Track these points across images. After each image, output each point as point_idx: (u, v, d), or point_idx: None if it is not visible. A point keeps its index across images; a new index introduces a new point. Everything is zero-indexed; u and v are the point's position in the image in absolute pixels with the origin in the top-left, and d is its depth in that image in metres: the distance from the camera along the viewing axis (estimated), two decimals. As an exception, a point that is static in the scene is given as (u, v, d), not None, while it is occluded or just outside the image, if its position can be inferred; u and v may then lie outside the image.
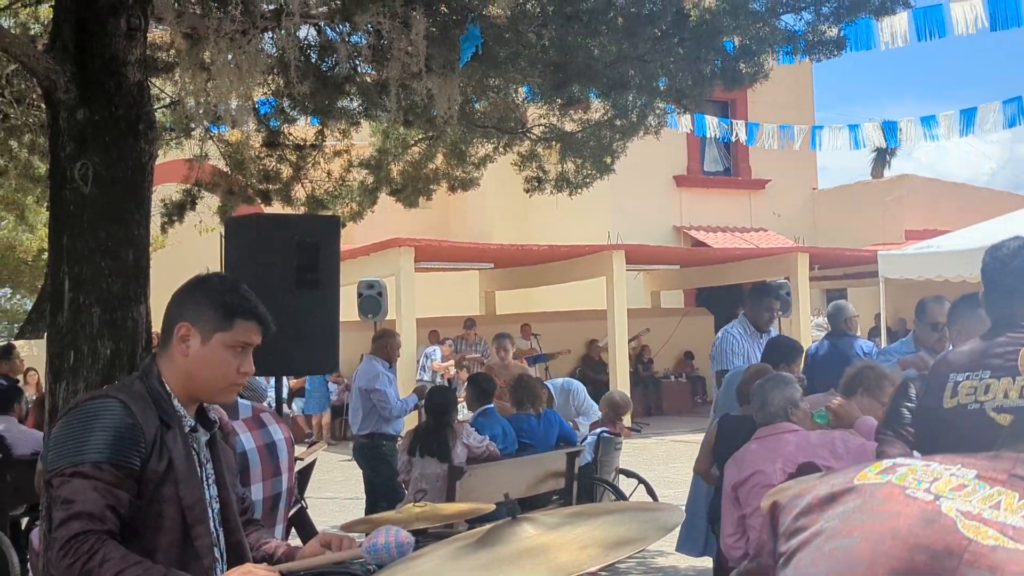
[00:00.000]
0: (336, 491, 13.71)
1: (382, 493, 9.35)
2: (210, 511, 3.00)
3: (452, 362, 19.45)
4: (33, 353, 16.23)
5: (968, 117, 16.41)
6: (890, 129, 16.93)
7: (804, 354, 7.94)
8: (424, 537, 4.65)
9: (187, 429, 3.00)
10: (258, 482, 4.40)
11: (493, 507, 4.12)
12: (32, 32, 8.97)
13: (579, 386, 10.99)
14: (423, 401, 10.28)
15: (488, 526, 2.38)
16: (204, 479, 3.02)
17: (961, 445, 3.04)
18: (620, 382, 19.40)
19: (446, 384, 17.28)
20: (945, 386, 3.64)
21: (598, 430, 9.63)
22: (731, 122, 18.73)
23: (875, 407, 5.59)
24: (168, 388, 3.00)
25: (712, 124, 17.72)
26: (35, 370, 15.56)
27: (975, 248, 12.80)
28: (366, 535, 2.91)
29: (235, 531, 3.08)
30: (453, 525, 5.64)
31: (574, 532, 2.24)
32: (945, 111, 17.26)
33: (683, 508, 5.68)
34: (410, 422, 10.19)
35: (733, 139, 18.68)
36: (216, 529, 3.01)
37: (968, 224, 17.58)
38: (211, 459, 3.10)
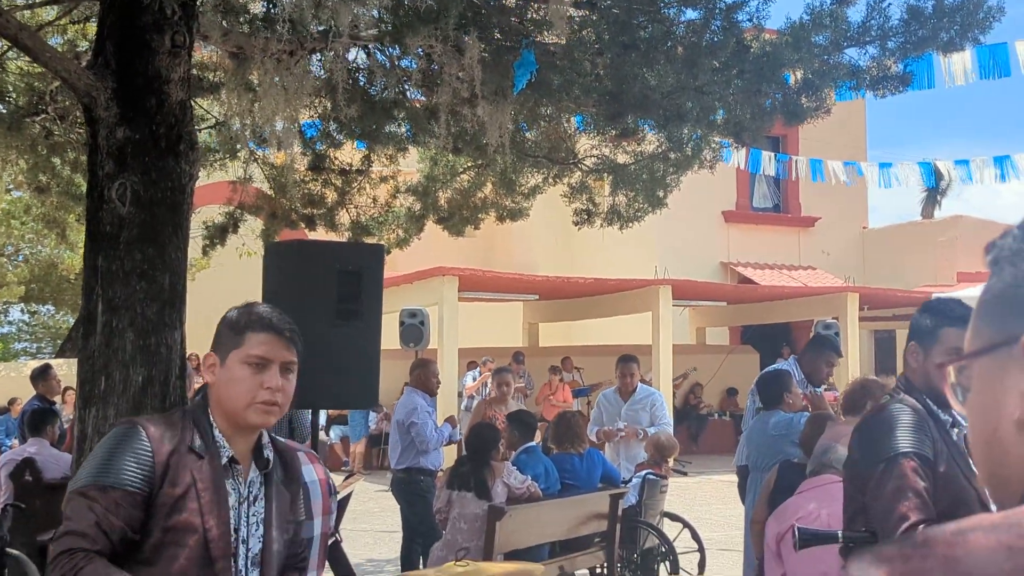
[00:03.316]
0: (372, 523, 13.47)
1: (419, 530, 9.11)
2: (243, 548, 2.94)
3: (484, 377, 18.80)
4: (72, 372, 16.11)
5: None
6: (963, 167, 16.58)
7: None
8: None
9: (224, 460, 2.95)
10: None
11: (541, 569, 3.86)
12: (79, 49, 8.86)
13: (661, 397, 10.53)
14: (461, 431, 10.04)
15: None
16: (244, 515, 2.97)
17: None
18: (663, 419, 19.05)
19: (488, 421, 16.94)
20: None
21: (643, 472, 9.34)
22: (789, 158, 18.40)
23: None
24: (212, 419, 2.99)
25: (767, 159, 17.39)
26: (73, 389, 15.47)
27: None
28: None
29: (269, 574, 3.01)
30: None
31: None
32: (994, 154, 16.89)
33: None
34: (451, 458, 9.95)
35: (791, 176, 18.32)
36: (247, 568, 2.95)
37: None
38: (264, 498, 3.03)
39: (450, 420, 10.29)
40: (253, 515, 3.00)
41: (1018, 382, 1.09)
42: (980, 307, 1.16)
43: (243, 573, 2.94)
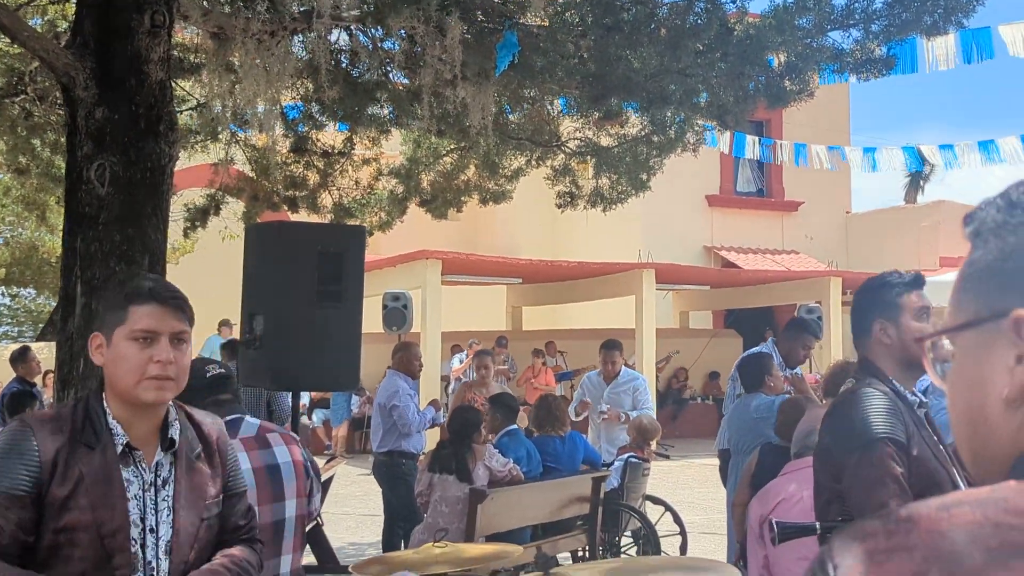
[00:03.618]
0: (353, 506, 13.45)
1: (400, 513, 9.10)
2: (152, 538, 2.80)
3: (469, 359, 18.75)
4: (53, 355, 16.04)
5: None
6: (948, 152, 16.58)
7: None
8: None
9: (120, 448, 2.78)
10: (253, 506, 4.12)
11: (521, 550, 3.83)
12: (59, 30, 8.79)
13: (644, 382, 10.52)
14: (444, 415, 10.02)
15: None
16: (152, 502, 2.82)
17: None
18: (646, 402, 19.08)
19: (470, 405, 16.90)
20: None
21: (625, 455, 9.34)
22: (774, 142, 18.38)
23: None
24: (105, 404, 2.83)
25: (752, 144, 17.36)
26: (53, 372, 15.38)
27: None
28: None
29: (184, 562, 2.84)
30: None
31: (615, 596, 1.96)
32: (978, 138, 16.89)
33: (737, 569, 5.39)
34: (433, 440, 9.93)
35: (776, 161, 18.30)
36: (156, 558, 2.81)
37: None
38: (174, 481, 2.86)
39: (434, 403, 10.27)
40: (163, 500, 2.85)
41: (1005, 358, 1.06)
42: (963, 280, 1.13)
43: (152, 564, 2.80)
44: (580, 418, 10.28)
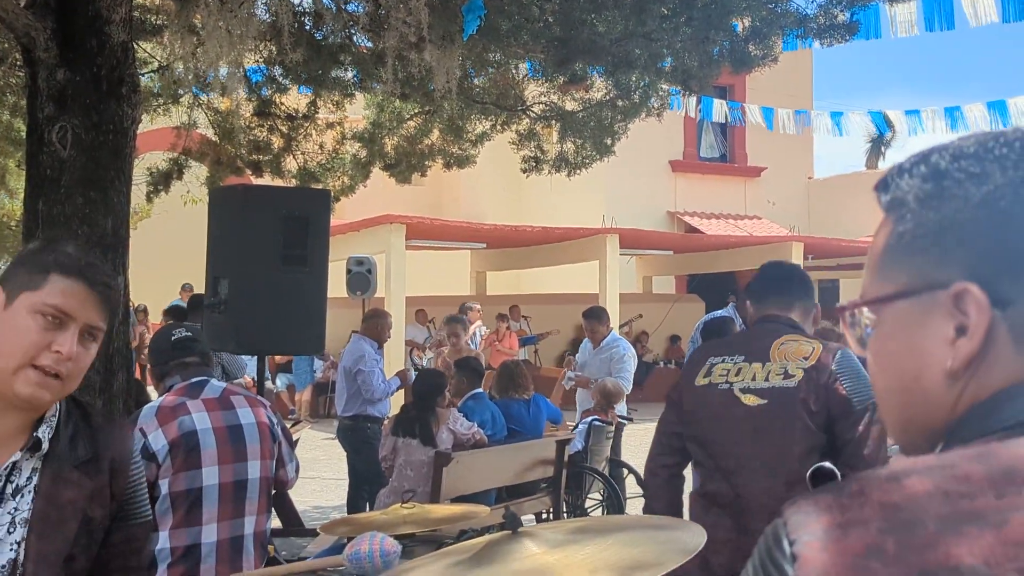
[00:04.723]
0: (319, 470, 13.47)
1: (365, 477, 9.12)
2: None
3: (477, 322, 18.71)
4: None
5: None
6: (914, 117, 16.70)
7: None
8: (411, 541, 4.41)
9: None
10: (212, 465, 4.12)
11: (488, 511, 3.86)
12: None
13: (624, 350, 10.41)
14: (409, 383, 10.04)
15: (485, 539, 2.13)
16: None
17: (712, 417, 3.92)
18: (610, 367, 19.16)
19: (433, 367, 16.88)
20: (701, 368, 4.04)
21: (589, 418, 9.41)
22: (741, 105, 18.42)
23: None
24: None
25: (720, 107, 17.41)
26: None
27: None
28: (348, 540, 2.65)
29: None
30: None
31: (582, 552, 1.99)
32: (942, 105, 17.07)
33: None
34: (397, 405, 9.95)
35: (746, 124, 18.37)
36: None
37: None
38: (33, 492, 2.22)
39: (401, 375, 10.29)
40: (8, 514, 2.19)
41: (943, 329, 1.07)
42: (888, 251, 1.13)
43: None
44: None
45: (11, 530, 2.17)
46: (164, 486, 4.04)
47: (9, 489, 2.19)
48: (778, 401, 3.79)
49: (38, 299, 2.18)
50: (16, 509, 2.19)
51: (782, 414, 3.78)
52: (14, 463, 2.21)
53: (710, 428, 3.95)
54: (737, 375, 3.93)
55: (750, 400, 3.86)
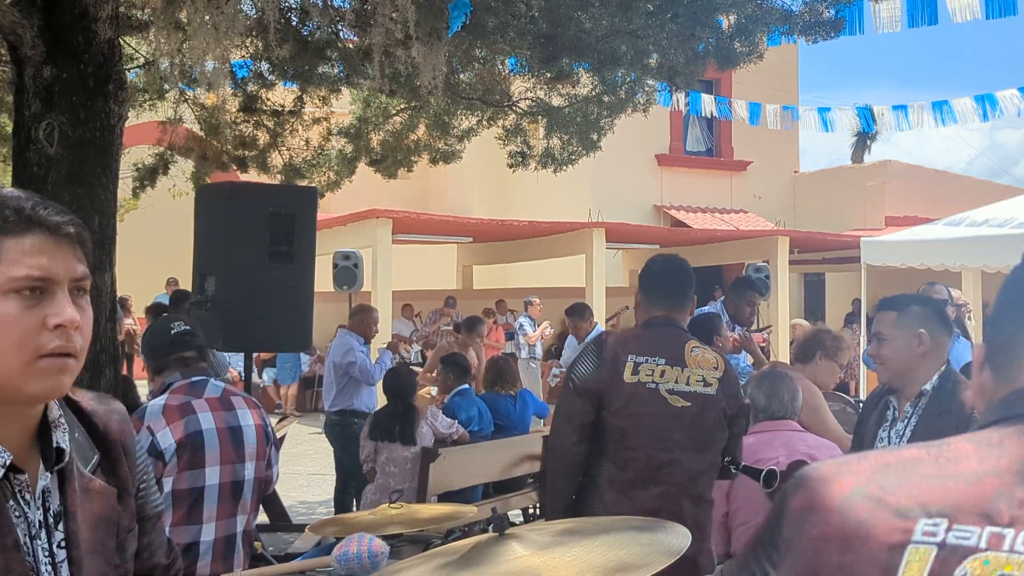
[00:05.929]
0: (305, 465, 13.48)
1: (352, 472, 9.13)
2: None
3: (547, 323, 19.08)
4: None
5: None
6: (901, 112, 16.71)
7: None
8: (399, 541, 4.43)
9: None
10: (214, 465, 4.15)
11: (475, 510, 3.89)
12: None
13: None
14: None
15: (472, 541, 2.15)
16: (44, 548, 1.73)
17: (645, 413, 4.24)
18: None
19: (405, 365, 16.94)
20: (624, 365, 4.32)
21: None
22: (729, 100, 18.44)
23: (833, 370, 6.17)
24: None
25: (708, 102, 17.43)
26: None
27: (960, 238, 12.65)
28: (336, 540, 2.68)
29: None
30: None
31: (568, 554, 2.01)
32: (927, 99, 17.11)
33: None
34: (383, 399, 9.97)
35: (733, 117, 18.39)
36: None
37: (946, 212, 17.40)
38: (66, 515, 1.77)
39: (391, 345, 10.45)
40: (59, 547, 1.76)
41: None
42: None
43: None
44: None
45: (59, 554, 1.76)
46: (167, 484, 4.06)
47: (50, 520, 1.76)
48: (701, 405, 4.32)
49: (3, 277, 1.65)
50: (63, 541, 1.77)
51: (706, 415, 4.33)
52: (44, 488, 1.76)
53: (642, 423, 4.30)
54: (661, 376, 4.33)
55: (676, 401, 4.31)
